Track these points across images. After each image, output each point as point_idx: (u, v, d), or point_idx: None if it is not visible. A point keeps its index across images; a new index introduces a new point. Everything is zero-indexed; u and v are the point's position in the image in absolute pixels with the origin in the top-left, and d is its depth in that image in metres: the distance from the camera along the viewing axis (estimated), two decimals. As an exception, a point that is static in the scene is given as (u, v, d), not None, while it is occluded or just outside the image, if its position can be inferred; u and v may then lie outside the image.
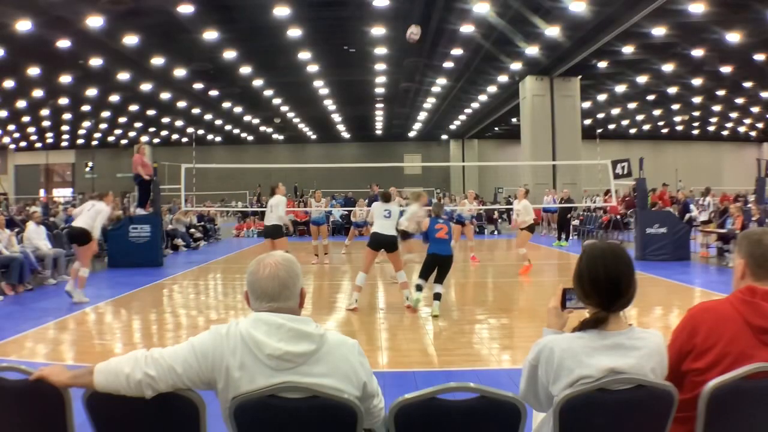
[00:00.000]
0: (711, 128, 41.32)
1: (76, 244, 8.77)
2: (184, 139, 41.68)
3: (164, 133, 41.20)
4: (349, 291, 9.69)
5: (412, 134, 44.33)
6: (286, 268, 1.99)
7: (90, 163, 38.46)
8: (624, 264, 2.01)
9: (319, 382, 1.86)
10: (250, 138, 44.74)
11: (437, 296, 7.60)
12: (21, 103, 28.06)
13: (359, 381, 1.95)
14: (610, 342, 1.95)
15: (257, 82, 26.04)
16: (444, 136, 45.16)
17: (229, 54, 20.85)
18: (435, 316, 7.42)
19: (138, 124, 37.27)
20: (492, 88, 27.65)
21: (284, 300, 1.96)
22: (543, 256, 14.74)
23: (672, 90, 27.87)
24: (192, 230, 18.53)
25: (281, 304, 1.96)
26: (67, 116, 33.24)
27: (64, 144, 43.75)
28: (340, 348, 1.95)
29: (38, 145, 42.90)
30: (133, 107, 30.91)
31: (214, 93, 28.41)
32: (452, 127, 41.04)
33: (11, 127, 36.18)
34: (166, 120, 35.69)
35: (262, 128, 40.78)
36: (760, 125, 39.76)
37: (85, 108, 30.54)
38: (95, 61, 20.85)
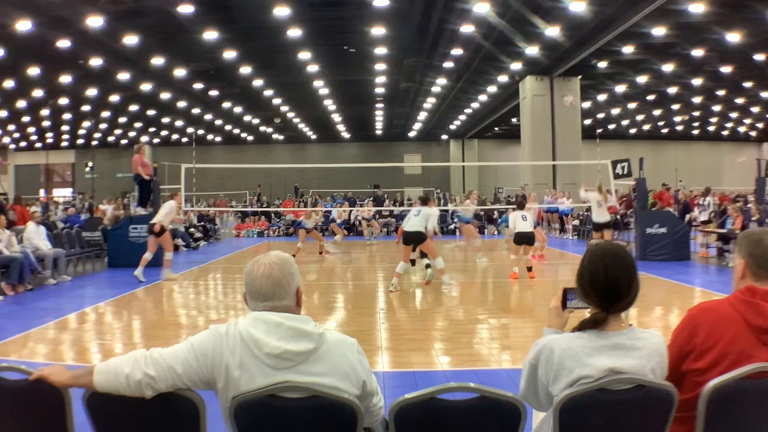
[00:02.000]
0: (711, 128, 41.32)
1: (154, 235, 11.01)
2: (184, 139, 41.64)
3: (164, 133, 41.18)
4: (349, 290, 9.75)
5: (412, 134, 44.30)
6: (280, 267, 1.99)
7: (90, 163, 38.42)
8: (624, 266, 2.01)
9: (319, 381, 1.87)
10: (250, 138, 44.72)
11: (428, 265, 9.80)
12: (21, 103, 28.05)
13: (358, 379, 1.95)
14: (610, 342, 1.95)
15: (257, 82, 26.03)
16: (444, 136, 45.14)
17: (229, 54, 20.84)
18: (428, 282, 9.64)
19: (138, 124, 37.25)
20: (492, 88, 27.64)
21: (279, 299, 1.97)
22: (545, 256, 14.72)
23: (672, 90, 27.86)
24: (192, 230, 18.54)
25: (276, 303, 1.96)
26: (67, 116, 33.23)
27: (64, 144, 43.73)
28: (339, 347, 1.95)
29: (38, 145, 42.88)
30: (133, 107, 30.90)
31: (214, 93, 28.39)
32: (452, 127, 41.03)
33: (11, 127, 36.16)
34: (166, 120, 35.68)
35: (262, 128, 40.77)
36: (760, 125, 39.76)
37: (85, 108, 30.53)
38: (95, 61, 20.83)
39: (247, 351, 1.88)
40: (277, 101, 31.06)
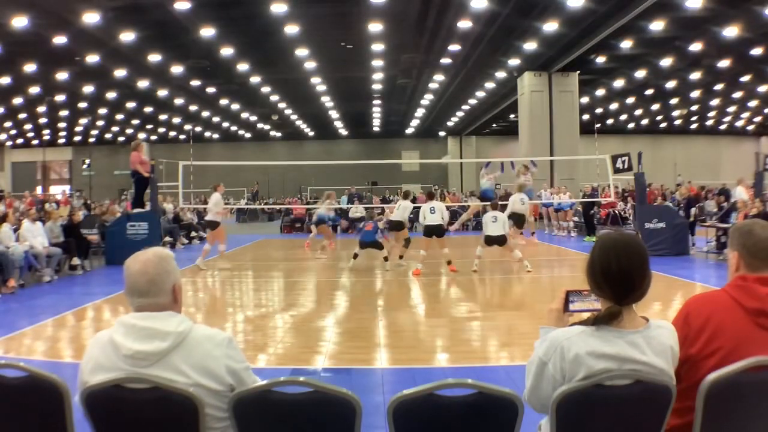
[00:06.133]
0: (709, 122, 41.39)
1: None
2: (182, 137, 41.59)
3: (161, 130, 41.13)
4: (349, 288, 9.75)
5: (409, 131, 44.27)
6: (156, 264, 2.00)
7: (87, 161, 38.37)
8: (637, 256, 1.95)
9: (171, 377, 1.88)
10: (248, 135, 44.67)
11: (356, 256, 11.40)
12: (17, 100, 27.99)
13: (225, 375, 1.95)
14: (626, 340, 1.90)
15: (254, 79, 25.99)
16: (442, 133, 45.11)
17: (227, 51, 20.80)
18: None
19: (135, 121, 37.19)
20: (490, 84, 27.62)
21: (153, 296, 1.98)
22: (543, 252, 14.75)
23: (670, 84, 27.91)
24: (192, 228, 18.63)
25: (151, 300, 1.98)
26: (64, 113, 33.16)
27: (61, 141, 43.65)
28: (203, 344, 1.95)
29: (35, 142, 42.80)
30: (131, 104, 30.86)
31: (211, 90, 28.35)
32: (450, 123, 41.01)
33: (8, 124, 36.07)
34: (163, 117, 35.61)
35: (260, 125, 40.73)
36: (757, 119, 39.84)
37: (82, 105, 30.47)
38: (92, 58, 20.78)
39: (114, 354, 1.93)
40: (274, 98, 31.05)
